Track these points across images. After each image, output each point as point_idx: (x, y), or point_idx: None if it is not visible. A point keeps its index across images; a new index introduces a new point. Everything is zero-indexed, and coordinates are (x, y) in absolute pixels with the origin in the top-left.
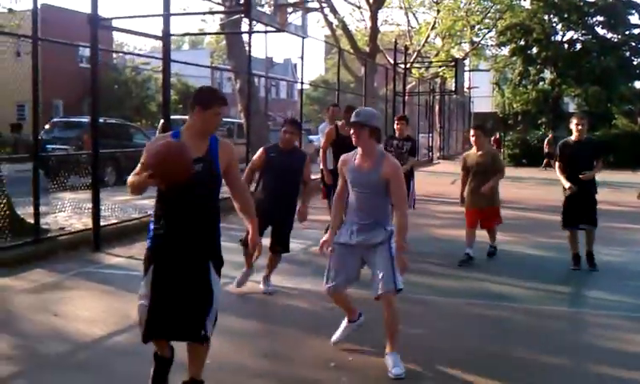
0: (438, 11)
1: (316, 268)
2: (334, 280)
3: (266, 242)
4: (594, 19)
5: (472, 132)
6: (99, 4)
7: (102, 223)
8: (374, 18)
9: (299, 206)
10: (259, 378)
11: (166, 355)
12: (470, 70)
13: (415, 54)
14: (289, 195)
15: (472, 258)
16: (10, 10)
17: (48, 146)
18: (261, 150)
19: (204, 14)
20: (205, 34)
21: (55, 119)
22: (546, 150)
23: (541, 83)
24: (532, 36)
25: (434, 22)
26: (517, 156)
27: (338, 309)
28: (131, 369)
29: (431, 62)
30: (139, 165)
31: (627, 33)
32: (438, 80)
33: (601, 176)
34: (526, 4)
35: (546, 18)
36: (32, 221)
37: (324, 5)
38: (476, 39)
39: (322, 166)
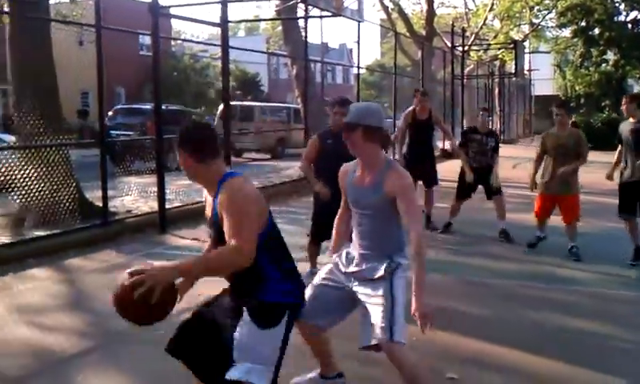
0: None
1: None
2: (307, 312)
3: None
4: None
5: (556, 110)
6: None
7: (166, 206)
8: (430, 1)
9: None
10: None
11: None
12: (529, 52)
13: (473, 36)
14: None
15: (543, 238)
16: (72, 1)
17: (112, 132)
18: (314, 137)
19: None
20: (261, 20)
21: (118, 106)
22: None
23: (603, 65)
24: (594, 16)
25: (492, 4)
26: None
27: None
28: None
29: (490, 45)
30: None
31: None
32: (497, 63)
33: None
34: None
35: None
36: (100, 204)
37: None
38: (535, 21)
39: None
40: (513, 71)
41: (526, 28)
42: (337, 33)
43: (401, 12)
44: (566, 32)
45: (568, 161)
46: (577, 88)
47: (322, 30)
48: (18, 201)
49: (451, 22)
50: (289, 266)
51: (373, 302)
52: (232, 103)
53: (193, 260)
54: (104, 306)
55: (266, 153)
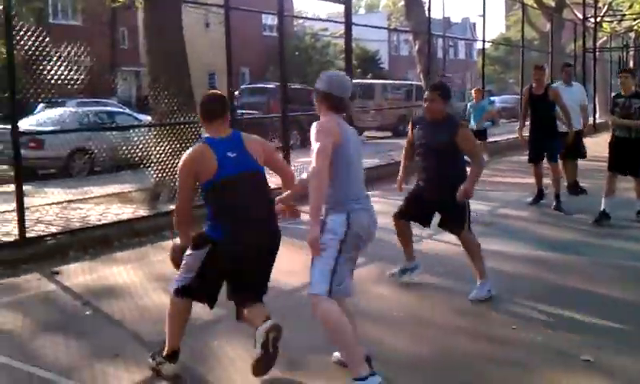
0: None
1: (503, 230)
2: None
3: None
4: None
5: None
6: None
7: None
8: None
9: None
10: (453, 334)
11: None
12: None
13: (606, 6)
14: (443, 176)
15: None
16: None
17: (238, 111)
18: (410, 122)
19: None
20: None
21: (243, 86)
22: None
23: None
24: None
25: None
26: None
27: (531, 272)
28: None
29: (624, 15)
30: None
31: None
32: (632, 34)
33: None
34: None
35: None
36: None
37: None
38: None
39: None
40: None
41: None
42: (459, 7)
43: None
44: None
45: None
46: None
47: (444, 4)
48: (154, 176)
49: None
50: (224, 212)
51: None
52: (355, 81)
53: None
54: None
55: (387, 131)
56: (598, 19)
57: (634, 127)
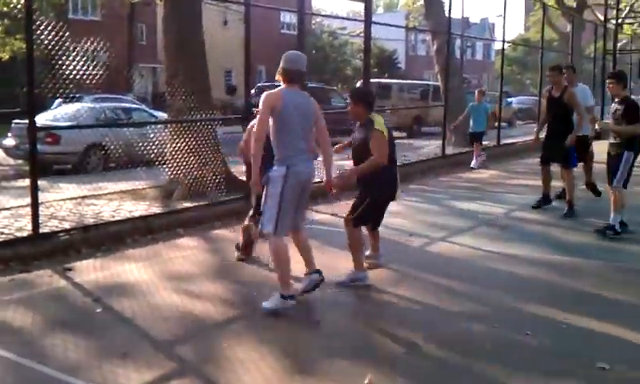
0: None
1: (519, 233)
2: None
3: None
4: None
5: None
6: None
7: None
8: None
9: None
10: (459, 336)
11: None
12: None
13: (628, 8)
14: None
15: None
16: None
17: (254, 109)
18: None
19: None
20: None
21: (259, 84)
22: None
23: None
24: None
25: None
26: None
27: (546, 277)
28: (336, 319)
29: None
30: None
31: None
32: None
33: None
34: None
35: None
36: (244, 178)
37: None
38: None
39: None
40: None
41: None
42: (478, 7)
43: None
44: None
45: None
46: None
47: (463, 4)
48: (168, 173)
49: None
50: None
51: None
52: (371, 80)
53: None
54: (249, 276)
55: (403, 131)
56: (620, 21)
57: (615, 132)
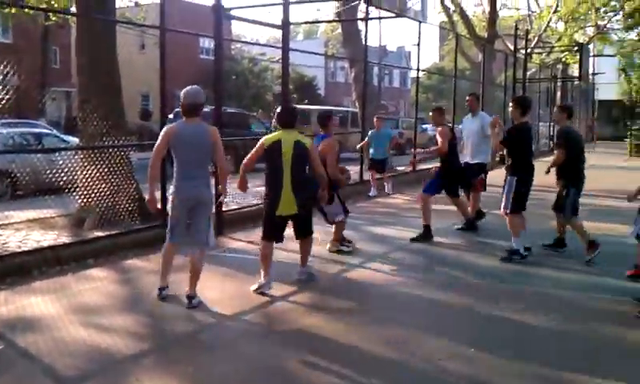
0: None
1: (433, 258)
2: None
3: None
4: None
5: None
6: None
7: (223, 209)
8: (492, 2)
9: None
10: (373, 366)
11: None
12: (594, 56)
13: (536, 39)
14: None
15: None
16: (137, 4)
17: None
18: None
19: (323, 0)
20: (323, 21)
21: (177, 109)
22: None
23: None
24: None
25: (557, 5)
26: None
27: (456, 301)
28: (254, 349)
29: (553, 47)
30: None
31: None
32: (560, 66)
33: None
34: None
35: None
36: (159, 206)
37: None
38: (601, 23)
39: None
40: (576, 75)
41: (590, 30)
42: (395, 35)
43: (462, 13)
44: (633, 35)
45: None
46: None
47: (380, 33)
48: (79, 201)
49: (514, 24)
50: None
51: None
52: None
53: None
54: (162, 308)
55: None
56: (529, 51)
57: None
